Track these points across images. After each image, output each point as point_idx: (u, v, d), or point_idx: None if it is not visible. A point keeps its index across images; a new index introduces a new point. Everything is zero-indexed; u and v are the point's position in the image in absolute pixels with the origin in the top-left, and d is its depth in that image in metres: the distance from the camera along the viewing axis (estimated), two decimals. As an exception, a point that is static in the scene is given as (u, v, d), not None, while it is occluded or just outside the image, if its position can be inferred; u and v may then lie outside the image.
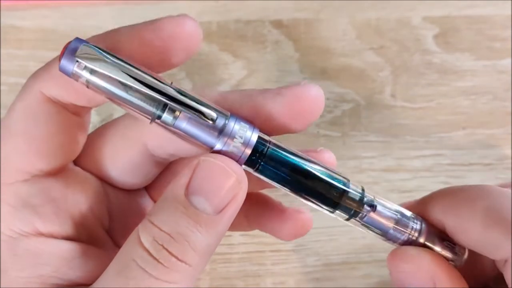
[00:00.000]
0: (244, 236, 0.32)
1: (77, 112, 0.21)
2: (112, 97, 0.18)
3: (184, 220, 0.18)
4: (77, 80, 0.18)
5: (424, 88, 0.37)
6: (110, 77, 0.18)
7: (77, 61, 0.18)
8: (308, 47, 0.38)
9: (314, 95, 0.20)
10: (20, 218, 0.20)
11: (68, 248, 0.20)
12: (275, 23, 0.38)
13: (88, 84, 0.18)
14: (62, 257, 0.20)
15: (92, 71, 0.18)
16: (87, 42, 0.18)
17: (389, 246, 0.32)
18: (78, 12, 0.37)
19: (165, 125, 0.19)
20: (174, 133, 0.19)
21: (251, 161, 0.19)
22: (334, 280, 0.32)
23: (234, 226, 0.25)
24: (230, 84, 0.36)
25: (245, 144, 0.19)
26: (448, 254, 0.22)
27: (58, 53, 0.18)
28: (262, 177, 0.20)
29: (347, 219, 0.21)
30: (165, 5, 0.38)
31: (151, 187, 0.25)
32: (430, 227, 0.22)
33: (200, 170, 0.18)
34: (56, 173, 0.21)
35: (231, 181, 0.18)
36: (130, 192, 0.24)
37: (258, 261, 0.32)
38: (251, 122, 0.20)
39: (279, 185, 0.20)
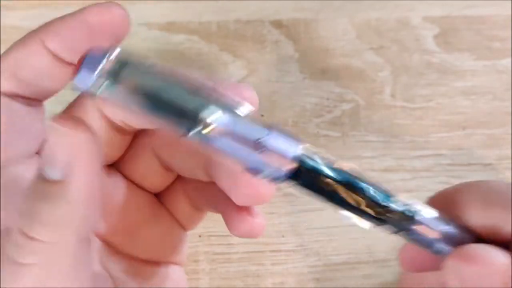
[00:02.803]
0: (244, 236, 0.32)
1: (28, 103, 0.20)
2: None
3: (30, 192, 0.17)
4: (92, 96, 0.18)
5: (423, 88, 0.37)
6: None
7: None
8: (308, 47, 0.38)
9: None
10: None
11: None
12: (274, 23, 0.38)
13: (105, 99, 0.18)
14: None
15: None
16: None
17: (389, 247, 0.32)
18: (77, 12, 0.37)
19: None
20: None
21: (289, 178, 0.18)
22: (334, 280, 0.31)
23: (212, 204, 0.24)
24: (230, 84, 0.36)
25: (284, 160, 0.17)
26: None
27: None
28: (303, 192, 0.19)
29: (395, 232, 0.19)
30: (165, 4, 0.38)
31: (121, 163, 0.24)
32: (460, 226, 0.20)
33: (48, 138, 0.17)
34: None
35: (69, 142, 0.16)
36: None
37: (258, 261, 0.32)
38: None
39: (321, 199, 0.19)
